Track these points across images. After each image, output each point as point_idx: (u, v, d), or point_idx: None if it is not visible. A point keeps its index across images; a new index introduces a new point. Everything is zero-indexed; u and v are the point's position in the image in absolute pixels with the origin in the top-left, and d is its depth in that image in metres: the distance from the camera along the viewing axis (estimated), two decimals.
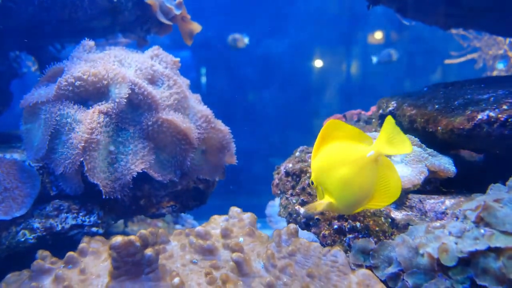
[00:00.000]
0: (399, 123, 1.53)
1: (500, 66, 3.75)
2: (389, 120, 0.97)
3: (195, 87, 1.87)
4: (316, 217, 1.28)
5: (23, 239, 1.33)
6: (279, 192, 1.60)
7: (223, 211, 1.41)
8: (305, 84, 4.92)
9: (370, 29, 4.71)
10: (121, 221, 2.22)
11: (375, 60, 4.14)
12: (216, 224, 1.33)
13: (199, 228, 1.24)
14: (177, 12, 2.14)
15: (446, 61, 3.98)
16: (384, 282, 1.05)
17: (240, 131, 1.91)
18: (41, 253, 1.23)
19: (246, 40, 4.06)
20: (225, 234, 1.23)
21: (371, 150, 0.97)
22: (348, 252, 1.18)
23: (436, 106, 1.33)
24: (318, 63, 4.87)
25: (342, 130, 1.02)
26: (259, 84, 4.83)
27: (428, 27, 2.19)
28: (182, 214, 2.86)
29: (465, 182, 1.27)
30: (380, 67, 4.64)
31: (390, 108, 1.62)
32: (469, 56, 3.87)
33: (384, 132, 0.97)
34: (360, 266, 1.12)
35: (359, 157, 0.98)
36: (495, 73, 3.74)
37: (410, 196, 1.22)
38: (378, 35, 4.77)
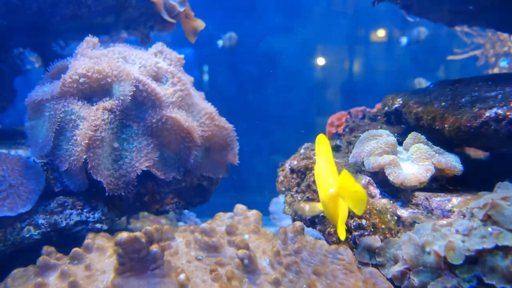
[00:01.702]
0: (405, 120, 1.52)
1: (503, 63, 3.74)
2: (345, 175, 0.95)
3: (197, 85, 1.87)
4: (322, 214, 1.28)
5: (28, 235, 1.33)
6: (284, 189, 1.60)
7: (226, 208, 1.40)
8: (308, 82, 4.91)
9: (373, 27, 4.70)
10: (124, 218, 2.22)
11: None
12: (221, 221, 1.33)
13: (204, 225, 1.24)
14: (181, 9, 2.13)
15: (449, 57, 3.96)
16: (390, 280, 1.05)
17: (242, 129, 1.90)
18: (46, 249, 1.23)
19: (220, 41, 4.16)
20: (230, 231, 1.23)
21: (332, 188, 1.00)
22: (354, 249, 1.17)
23: (443, 104, 1.32)
24: (321, 61, 4.86)
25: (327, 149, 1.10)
26: (262, 82, 4.82)
27: (431, 25, 2.18)
28: (185, 212, 2.86)
29: (471, 181, 1.26)
30: (382, 65, 4.62)
31: (396, 105, 1.61)
32: (471, 53, 3.86)
33: (341, 183, 0.97)
34: (366, 264, 1.12)
35: (326, 188, 1.03)
36: (495, 70, 3.73)
37: (416, 194, 1.22)
38: (381, 33, 4.75)
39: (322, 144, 1.11)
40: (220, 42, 4.15)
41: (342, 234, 0.98)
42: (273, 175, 1.82)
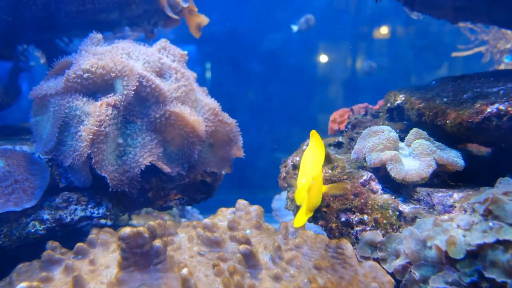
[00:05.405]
0: (407, 116, 1.53)
1: (507, 60, 3.71)
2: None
3: (199, 82, 1.87)
4: (324, 209, 1.28)
5: (33, 230, 1.35)
6: (286, 185, 1.60)
7: (228, 205, 1.41)
8: (311, 79, 4.90)
9: (376, 24, 4.68)
10: (127, 214, 2.23)
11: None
12: (223, 216, 1.34)
13: (206, 220, 1.25)
14: (185, 5, 2.14)
15: (453, 54, 3.93)
16: (391, 274, 1.05)
17: (245, 126, 1.91)
18: (51, 243, 1.25)
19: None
20: (232, 226, 1.24)
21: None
22: (356, 244, 1.18)
23: (445, 99, 1.32)
24: (324, 58, 4.85)
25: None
26: (264, 78, 4.81)
27: (434, 21, 2.17)
28: (188, 208, 2.88)
29: (473, 176, 1.26)
30: (385, 61, 4.61)
31: (398, 102, 1.61)
32: (476, 50, 3.83)
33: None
34: (367, 258, 1.13)
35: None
36: (502, 67, 3.70)
37: (418, 189, 1.22)
38: (384, 30, 4.73)
39: (315, 137, 1.20)
40: (294, 27, 4.08)
41: (297, 221, 1.04)
42: (275, 172, 1.83)
